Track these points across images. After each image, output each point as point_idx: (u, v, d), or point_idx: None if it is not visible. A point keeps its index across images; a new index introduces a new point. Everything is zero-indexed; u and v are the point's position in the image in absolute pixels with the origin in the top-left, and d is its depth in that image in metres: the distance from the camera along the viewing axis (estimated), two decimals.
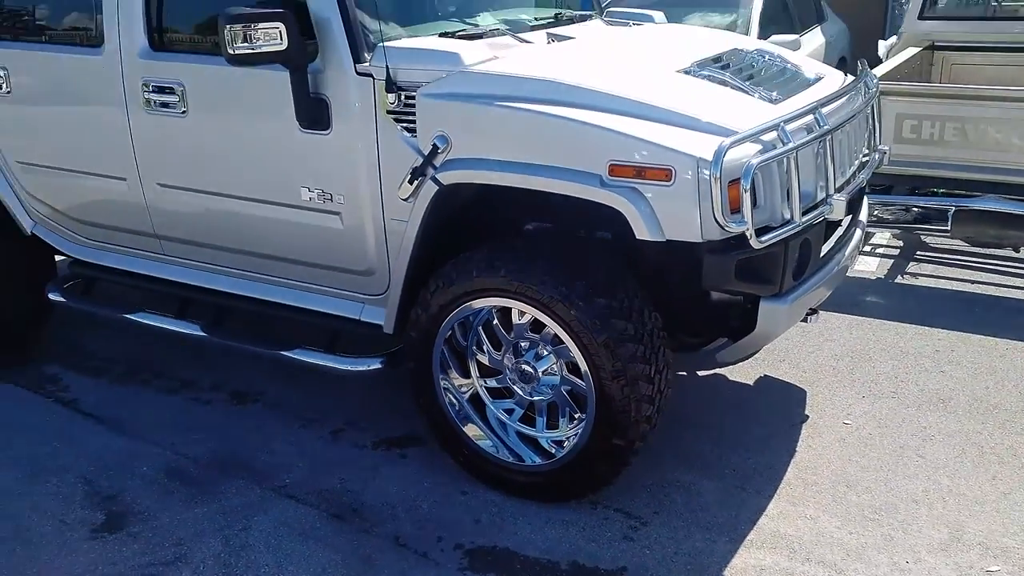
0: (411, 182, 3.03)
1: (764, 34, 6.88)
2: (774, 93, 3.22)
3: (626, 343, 2.84)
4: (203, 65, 3.36)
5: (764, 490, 3.27)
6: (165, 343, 4.27)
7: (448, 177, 2.97)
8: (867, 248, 5.70)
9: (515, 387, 3.18)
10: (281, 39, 2.93)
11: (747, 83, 3.24)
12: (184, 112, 3.44)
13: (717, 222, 2.66)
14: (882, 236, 5.91)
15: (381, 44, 3.02)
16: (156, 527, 3.10)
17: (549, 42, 3.53)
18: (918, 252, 5.67)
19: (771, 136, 2.83)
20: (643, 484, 3.28)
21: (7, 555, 2.98)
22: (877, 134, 3.82)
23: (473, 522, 3.09)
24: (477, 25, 3.54)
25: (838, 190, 3.17)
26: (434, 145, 2.96)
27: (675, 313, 3.20)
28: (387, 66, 3.00)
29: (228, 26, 2.86)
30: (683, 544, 2.98)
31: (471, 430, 3.23)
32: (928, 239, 5.83)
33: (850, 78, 3.74)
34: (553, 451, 3.13)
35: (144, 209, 3.77)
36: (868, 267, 5.43)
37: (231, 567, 2.89)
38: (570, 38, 3.61)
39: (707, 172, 2.62)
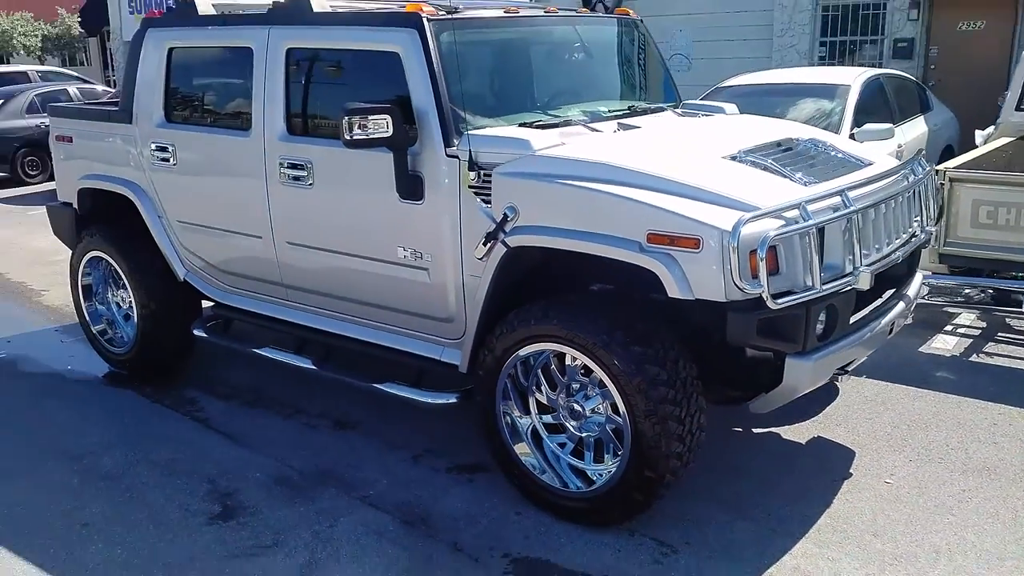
0: (485, 244, 3.62)
1: (858, 122, 7.18)
2: (810, 177, 3.63)
3: (658, 386, 3.29)
4: (327, 147, 4.10)
5: (794, 533, 3.57)
6: (283, 376, 5.01)
7: (514, 240, 3.54)
8: (948, 328, 5.86)
9: (567, 423, 3.65)
10: (388, 128, 3.62)
11: (787, 168, 3.68)
12: (311, 184, 4.19)
13: (736, 285, 3.10)
14: (967, 317, 6.04)
15: (467, 132, 3.67)
16: (260, 519, 3.75)
17: (616, 131, 4.08)
18: (999, 333, 5.78)
19: (793, 213, 3.26)
20: (680, 518, 3.65)
21: (143, 532, 3.69)
22: (925, 216, 4.13)
23: (523, 537, 3.56)
24: (556, 116, 4.14)
25: (870, 264, 3.53)
26: (504, 214, 3.55)
27: (717, 368, 3.61)
28: (470, 149, 3.65)
29: (347, 117, 3.57)
30: (706, 572, 3.33)
31: (520, 448, 3.70)
32: (1012, 321, 5.92)
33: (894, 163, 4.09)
34: (595, 479, 3.57)
35: (275, 262, 4.52)
36: (946, 345, 5.59)
37: (316, 552, 3.49)
38: (636, 127, 4.15)
39: (729, 241, 3.08)
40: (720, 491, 3.87)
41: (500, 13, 4.30)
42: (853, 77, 7.70)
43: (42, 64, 22.55)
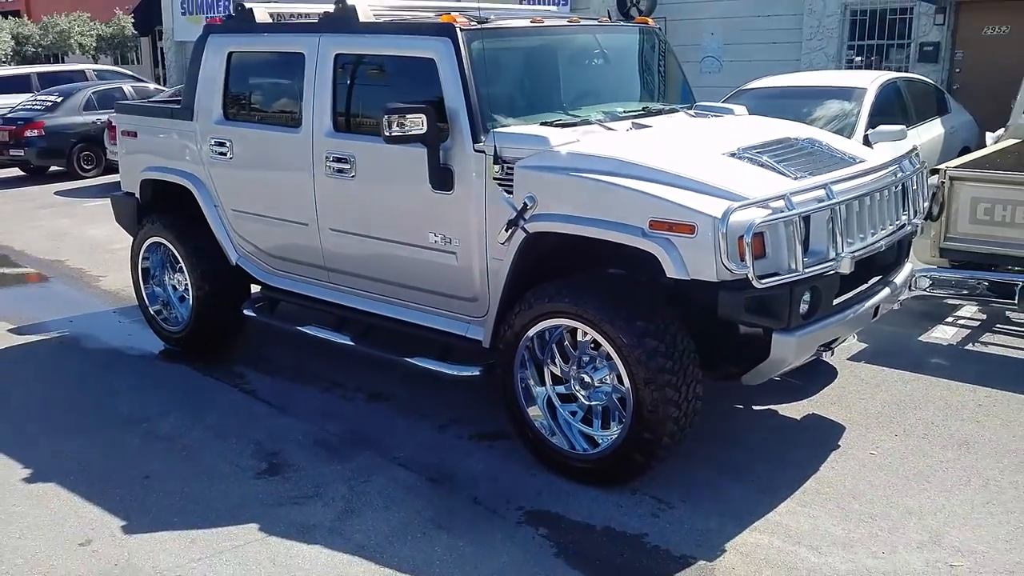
0: (507, 230, 4.05)
1: (873, 124, 7.48)
2: (800, 172, 4.01)
3: (657, 357, 3.69)
4: (368, 143, 4.55)
5: (781, 494, 3.95)
6: (323, 354, 5.49)
7: (533, 227, 3.97)
8: (949, 319, 6.17)
9: (578, 393, 4.07)
10: (423, 125, 4.07)
11: (781, 163, 4.05)
12: (353, 176, 4.65)
13: (725, 266, 3.50)
14: (968, 309, 6.34)
15: (493, 129, 4.11)
16: (302, 475, 4.22)
17: (629, 129, 4.48)
18: (997, 325, 6.07)
19: (779, 204, 3.64)
20: (679, 480, 4.05)
21: (198, 484, 4.18)
22: (913, 209, 4.48)
23: (535, 494, 3.98)
24: (575, 116, 4.54)
25: (853, 252, 3.89)
26: (524, 203, 3.98)
27: (716, 345, 4.00)
28: (495, 145, 4.08)
29: (387, 116, 4.03)
30: (698, 524, 3.73)
31: (533, 411, 4.12)
32: (1012, 314, 6.20)
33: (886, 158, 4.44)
34: (600, 442, 3.98)
35: (318, 247, 4.99)
36: (944, 335, 5.91)
37: (351, 502, 3.95)
38: (648, 127, 4.54)
39: (719, 227, 3.48)
40: (718, 458, 4.26)
41: (526, 23, 4.73)
42: (869, 80, 8.00)
43: (95, 63, 23.39)
